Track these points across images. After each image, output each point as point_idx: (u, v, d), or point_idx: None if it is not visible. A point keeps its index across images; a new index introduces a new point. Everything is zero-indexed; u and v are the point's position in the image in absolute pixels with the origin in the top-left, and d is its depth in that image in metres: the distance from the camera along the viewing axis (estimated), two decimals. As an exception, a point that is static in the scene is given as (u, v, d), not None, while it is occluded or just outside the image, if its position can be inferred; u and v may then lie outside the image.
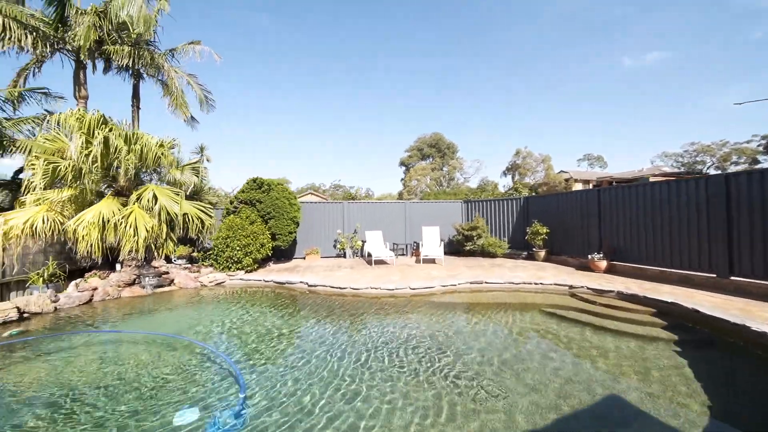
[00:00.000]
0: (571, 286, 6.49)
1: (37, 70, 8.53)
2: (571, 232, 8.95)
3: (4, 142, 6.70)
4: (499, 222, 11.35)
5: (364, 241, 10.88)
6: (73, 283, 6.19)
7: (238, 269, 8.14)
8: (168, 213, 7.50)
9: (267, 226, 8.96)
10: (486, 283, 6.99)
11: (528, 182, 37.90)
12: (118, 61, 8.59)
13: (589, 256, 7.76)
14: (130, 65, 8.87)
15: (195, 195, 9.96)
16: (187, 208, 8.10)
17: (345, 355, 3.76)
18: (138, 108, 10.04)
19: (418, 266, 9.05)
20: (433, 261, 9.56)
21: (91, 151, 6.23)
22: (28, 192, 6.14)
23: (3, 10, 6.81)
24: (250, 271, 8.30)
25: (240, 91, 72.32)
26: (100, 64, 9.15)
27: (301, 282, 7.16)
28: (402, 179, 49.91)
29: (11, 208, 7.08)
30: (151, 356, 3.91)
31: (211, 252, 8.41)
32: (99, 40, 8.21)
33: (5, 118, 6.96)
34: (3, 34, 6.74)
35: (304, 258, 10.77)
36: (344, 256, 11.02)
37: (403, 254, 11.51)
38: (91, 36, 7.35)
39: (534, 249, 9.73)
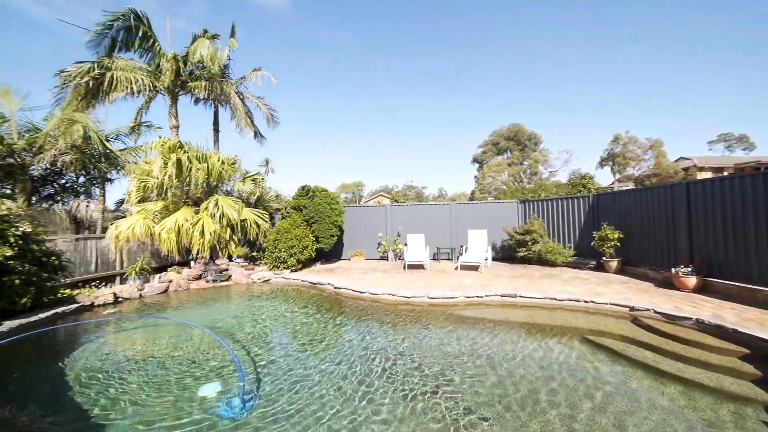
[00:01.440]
0: (632, 308, 5.19)
1: (147, 108, 11.08)
2: (652, 238, 7.14)
3: (118, 167, 9.09)
4: (562, 225, 9.79)
5: (405, 245, 10.77)
6: (157, 276, 7.85)
7: (284, 268, 9.03)
8: (229, 219, 8.81)
9: (311, 230, 9.69)
10: (521, 296, 6.12)
11: (631, 173, 31.42)
12: (198, 94, 10.51)
13: (673, 270, 6.06)
14: (207, 96, 10.75)
15: (257, 202, 11.43)
16: (247, 214, 9.37)
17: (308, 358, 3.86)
18: (217, 131, 12.05)
19: (455, 273, 8.50)
20: (475, 268, 8.82)
21: (167, 170, 7.80)
22: (128, 203, 8.09)
23: (125, 67, 9.08)
24: (295, 271, 9.10)
25: (317, 99, 79.56)
26: (188, 98, 11.32)
27: (328, 284, 7.52)
28: (475, 177, 47.36)
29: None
30: (181, 338, 4.69)
31: (264, 252, 9.54)
32: (183, 79, 10.18)
33: (120, 150, 9.44)
34: (124, 85, 8.94)
35: (350, 260, 11.25)
36: (387, 259, 11.09)
37: (448, 259, 10.95)
38: (171, 77, 9.17)
39: (604, 258, 8.08)
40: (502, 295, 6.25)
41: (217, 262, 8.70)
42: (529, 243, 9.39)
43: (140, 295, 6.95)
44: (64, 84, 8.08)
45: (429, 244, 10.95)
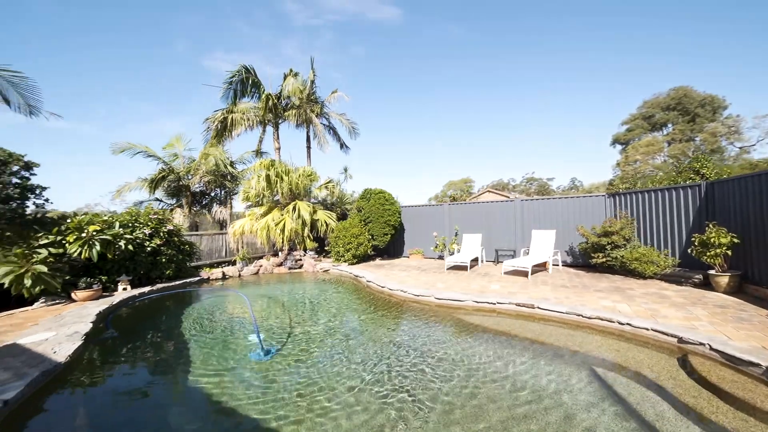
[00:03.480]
0: (681, 339, 3.88)
1: (263, 136, 14.71)
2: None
3: (239, 183, 12.66)
4: (662, 224, 7.42)
5: (458, 245, 10.46)
6: (254, 262, 10.61)
7: (343, 262, 10.47)
8: (304, 219, 10.91)
9: (366, 229, 10.78)
10: (539, 308, 5.33)
11: None
12: (290, 120, 13.27)
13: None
14: (298, 122, 13.42)
15: (337, 204, 13.41)
16: (320, 214, 11.34)
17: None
18: (309, 147, 14.75)
19: (494, 277, 7.86)
20: (525, 274, 7.84)
21: (260, 184, 10.42)
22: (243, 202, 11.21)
23: (242, 110, 12.57)
24: (351, 264, 10.40)
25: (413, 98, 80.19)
26: (288, 125, 14.36)
27: (363, 277, 8.37)
28: (617, 162, 38.07)
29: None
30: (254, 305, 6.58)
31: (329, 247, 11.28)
32: (278, 112, 13.07)
33: (242, 170, 13.08)
34: (240, 123, 12.39)
35: (408, 257, 11.74)
36: (443, 259, 11.00)
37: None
38: (265, 111, 11.97)
39: (712, 271, 5.81)
40: (517, 304, 5.60)
41: (294, 253, 10.93)
42: (608, 247, 7.57)
43: (239, 274, 9.68)
44: (208, 128, 12.03)
45: (490, 244, 10.29)
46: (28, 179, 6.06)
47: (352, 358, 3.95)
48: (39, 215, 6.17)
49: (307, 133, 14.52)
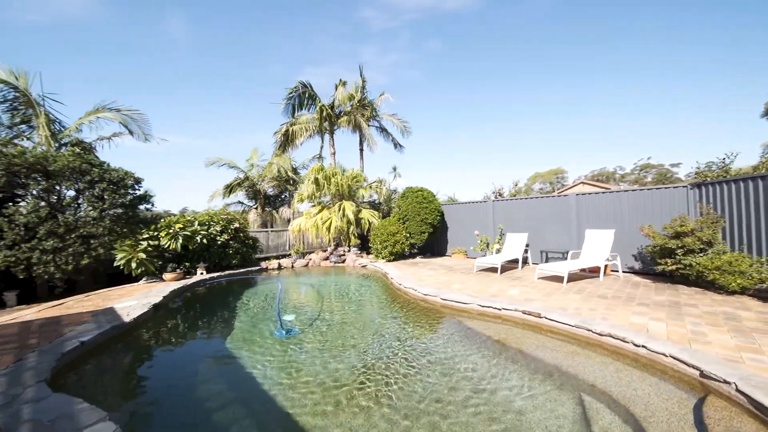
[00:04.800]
0: (703, 372, 3.07)
1: (322, 142, 16.22)
2: None
3: (299, 186, 14.40)
4: (762, 223, 5.51)
5: (499, 244, 9.68)
6: (306, 256, 11.93)
7: (381, 258, 10.89)
8: (349, 219, 11.76)
9: (404, 227, 10.92)
10: (546, 318, 4.75)
11: None
12: (343, 126, 14.32)
13: None
14: (349, 127, 14.39)
15: (379, 204, 13.93)
16: (364, 213, 12.05)
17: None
18: (362, 150, 15.62)
19: (523, 281, 7.13)
20: (561, 280, 6.84)
21: (310, 187, 11.67)
22: (294, 209, 12.70)
23: (301, 121, 14.21)
24: (389, 261, 10.73)
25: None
26: (342, 131, 15.50)
27: (389, 274, 8.60)
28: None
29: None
30: (298, 291, 7.71)
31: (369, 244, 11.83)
32: (332, 119, 14.25)
33: (300, 176, 14.75)
34: (299, 134, 14.02)
35: (450, 256, 11.38)
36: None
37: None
38: (320, 120, 13.21)
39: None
40: (523, 312, 5.08)
41: (339, 249, 11.86)
42: (678, 253, 6.02)
43: (292, 266, 11.10)
44: (276, 141, 14.02)
45: (540, 245, 9.27)
46: (138, 190, 8.33)
47: (336, 341, 4.36)
48: (142, 216, 8.43)
49: (360, 136, 15.41)
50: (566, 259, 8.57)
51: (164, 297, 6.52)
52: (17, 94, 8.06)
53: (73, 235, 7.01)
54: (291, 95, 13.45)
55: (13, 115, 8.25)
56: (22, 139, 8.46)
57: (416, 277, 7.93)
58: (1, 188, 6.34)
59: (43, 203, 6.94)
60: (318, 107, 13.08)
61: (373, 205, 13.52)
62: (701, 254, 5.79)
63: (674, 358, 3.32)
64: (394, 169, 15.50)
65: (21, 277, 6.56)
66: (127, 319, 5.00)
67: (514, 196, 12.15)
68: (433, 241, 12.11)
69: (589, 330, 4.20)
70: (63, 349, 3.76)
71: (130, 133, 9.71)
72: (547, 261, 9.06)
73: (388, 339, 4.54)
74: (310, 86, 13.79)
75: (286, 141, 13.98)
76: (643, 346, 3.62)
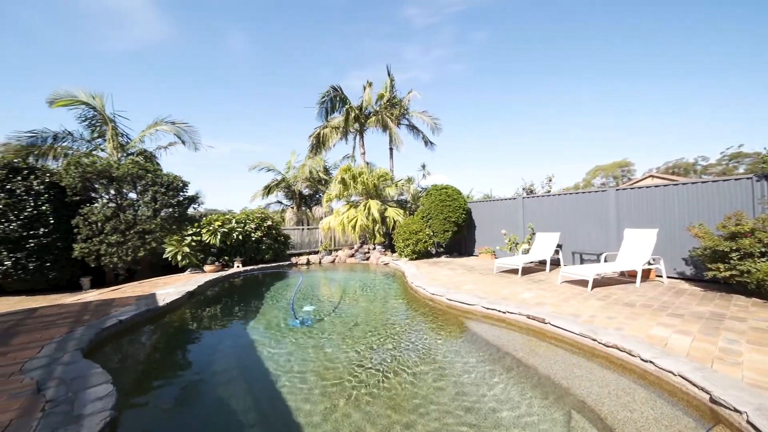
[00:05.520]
0: (713, 398, 2.65)
1: (354, 143, 16.65)
2: None
3: (326, 189, 14.90)
4: None
5: (526, 244, 9.05)
6: (333, 252, 12.40)
7: (404, 257, 10.89)
8: (374, 217, 11.96)
9: (427, 225, 10.77)
10: (551, 324, 4.39)
11: None
12: (372, 126, 14.56)
13: None
14: (377, 126, 14.58)
15: (406, 202, 13.89)
16: (390, 212, 12.17)
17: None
18: (391, 150, 15.71)
19: (540, 284, 6.61)
20: (586, 284, 6.18)
21: (337, 186, 12.11)
22: (325, 208, 13.25)
23: (332, 124, 14.78)
24: (411, 260, 10.68)
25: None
26: (371, 132, 15.75)
27: (406, 273, 8.56)
28: None
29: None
30: (322, 285, 8.22)
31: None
32: (361, 121, 14.56)
33: (331, 177, 15.31)
34: (329, 137, 14.61)
35: (477, 256, 10.92)
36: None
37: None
38: (348, 121, 13.59)
39: None
40: (528, 316, 4.75)
41: (363, 247, 12.10)
42: (733, 256, 5.09)
43: (320, 262, 11.64)
44: (310, 144, 14.79)
45: (571, 245, 8.52)
46: (185, 192, 9.47)
47: (338, 330, 4.59)
48: (189, 215, 9.55)
49: (389, 136, 15.52)
50: (605, 260, 7.73)
51: (199, 286, 7.35)
52: (95, 113, 9.76)
53: (132, 231, 8.25)
54: (323, 99, 14.05)
55: (92, 131, 10.03)
56: (98, 151, 10.21)
57: (431, 276, 7.81)
58: (77, 192, 7.72)
59: (111, 204, 8.28)
60: (345, 110, 13.48)
61: (401, 204, 13.54)
62: (763, 259, 4.82)
63: (683, 377, 2.88)
64: (423, 166, 15.33)
65: (93, 265, 7.92)
66: (161, 303, 5.77)
67: (549, 192, 11.24)
68: (460, 240, 11.76)
69: (594, 340, 3.80)
70: (103, 324, 4.50)
71: (183, 142, 11.08)
72: (581, 263, 8.26)
73: (382, 337, 4.59)
74: (341, 89, 14.25)
75: (318, 143, 14.65)
76: (650, 362, 3.20)
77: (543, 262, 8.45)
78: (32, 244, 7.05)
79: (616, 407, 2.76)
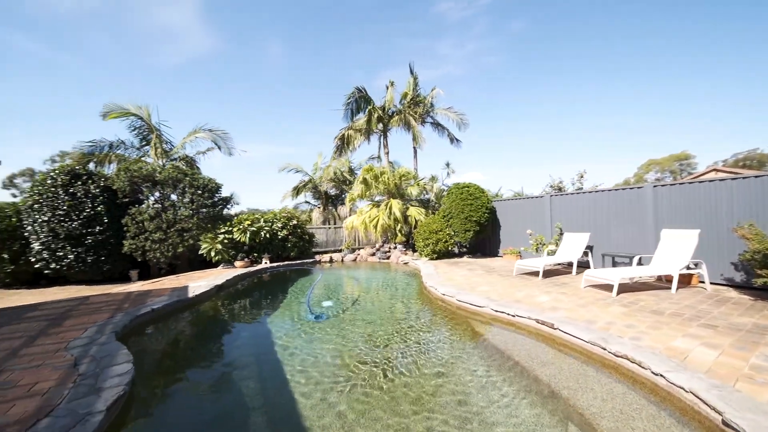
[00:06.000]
0: (725, 419, 2.41)
1: (380, 144, 16.78)
2: None
3: (350, 190, 15.20)
4: None
5: (554, 248, 8.54)
6: (355, 252, 12.64)
7: (424, 256, 10.82)
8: (396, 216, 12.02)
9: (448, 224, 10.58)
10: (560, 330, 4.16)
11: None
12: (395, 126, 14.60)
13: None
14: (401, 125, 14.58)
15: (429, 202, 13.74)
16: (412, 211, 12.17)
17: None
18: (415, 149, 15.62)
19: (561, 288, 6.23)
20: (611, 289, 5.70)
21: (358, 186, 12.34)
22: (349, 207, 13.51)
23: (356, 126, 15.05)
24: (431, 259, 10.57)
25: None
26: (395, 132, 15.76)
27: (421, 272, 8.50)
28: None
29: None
30: (342, 282, 8.55)
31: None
32: (385, 121, 14.65)
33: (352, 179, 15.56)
34: (354, 138, 14.89)
35: (502, 257, 10.50)
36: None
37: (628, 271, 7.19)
38: (370, 121, 13.75)
39: None
40: (537, 321, 4.54)
41: (385, 246, 12.18)
42: (790, 261, 4.44)
43: (342, 260, 11.95)
44: (335, 146, 15.20)
45: (603, 246, 7.94)
46: (219, 193, 10.25)
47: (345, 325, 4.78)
48: (222, 214, 10.32)
49: (413, 134, 15.45)
50: (641, 263, 7.09)
51: (227, 280, 7.94)
52: (142, 122, 10.92)
53: (172, 229, 9.12)
54: (349, 101, 14.35)
55: (141, 139, 11.25)
56: (146, 157, 11.41)
57: (447, 276, 7.70)
58: (126, 194, 8.70)
59: (155, 205, 9.23)
60: (368, 110, 13.65)
61: (424, 203, 13.43)
62: (828, 266, 4.14)
63: (695, 395, 2.62)
64: (447, 164, 15.05)
65: (139, 259, 8.88)
66: (190, 295, 6.33)
67: (579, 190, 10.52)
68: (484, 241, 11.41)
69: (603, 348, 3.56)
70: (138, 312, 5.07)
71: (218, 148, 11.99)
72: (613, 266, 7.64)
73: (384, 336, 4.66)
74: (365, 90, 14.45)
75: (343, 145, 15.00)
76: (661, 375, 2.93)
77: (570, 265, 7.94)
78: (90, 241, 8.12)
79: (616, 423, 2.58)
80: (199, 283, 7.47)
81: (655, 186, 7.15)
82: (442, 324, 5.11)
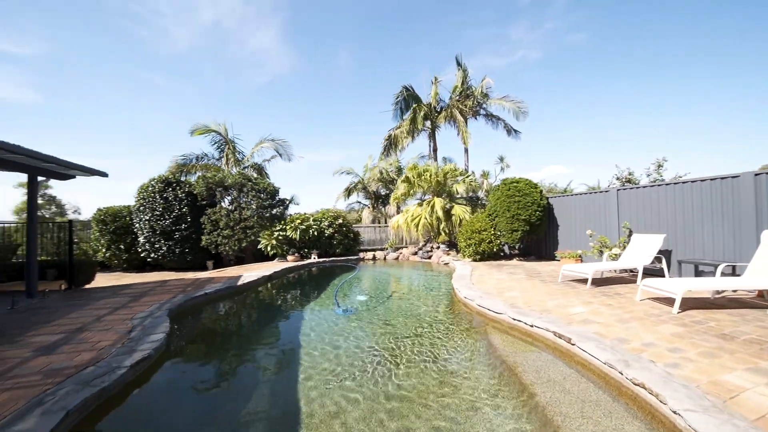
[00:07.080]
0: None
1: (429, 141, 16.50)
2: None
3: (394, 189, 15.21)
4: None
5: (614, 247, 7.23)
6: (398, 250, 12.69)
7: (466, 256, 10.30)
8: (438, 215, 11.73)
9: (493, 224, 9.84)
10: (578, 347, 3.59)
11: None
12: (441, 121, 14.20)
13: None
14: (448, 121, 14.11)
15: (478, 199, 12.97)
16: (456, 209, 11.74)
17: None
18: (464, 144, 14.93)
19: (609, 299, 5.26)
20: (671, 302, 4.56)
21: (401, 184, 12.39)
22: (395, 206, 13.60)
23: (402, 126, 15.11)
24: (475, 260, 9.99)
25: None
26: (445, 128, 15.29)
27: (455, 275, 8.11)
28: None
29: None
30: (382, 278, 8.97)
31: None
32: (432, 118, 14.35)
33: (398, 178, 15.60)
34: (400, 138, 14.98)
35: (559, 261, 9.29)
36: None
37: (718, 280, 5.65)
38: (417, 119, 13.62)
39: None
40: (555, 333, 4.00)
41: (428, 245, 11.93)
42: None
43: (384, 258, 12.17)
44: (383, 146, 15.51)
45: (682, 251, 6.53)
46: (278, 196, 11.51)
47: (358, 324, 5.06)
48: (279, 214, 11.56)
49: (458, 129, 14.79)
50: (729, 274, 5.58)
51: (275, 271, 8.91)
52: (220, 137, 12.97)
53: (237, 227, 10.61)
54: (397, 100, 14.52)
55: (219, 151, 13.38)
56: (224, 166, 13.51)
57: (479, 279, 7.25)
58: (204, 198, 10.46)
59: (225, 206, 10.88)
60: (412, 109, 13.57)
61: (472, 201, 12.75)
62: None
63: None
64: (501, 159, 13.97)
65: (213, 252, 10.58)
66: (239, 283, 7.32)
67: (655, 182, 8.68)
68: (539, 242, 10.30)
69: (621, 373, 2.99)
70: (194, 294, 6.11)
71: (280, 155, 13.49)
72: (696, 275, 6.14)
73: (387, 340, 4.70)
74: (412, 89, 14.43)
75: (390, 145, 15.21)
76: (679, 414, 2.35)
77: (634, 272, 6.66)
78: (177, 236, 10.06)
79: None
80: (252, 273, 8.55)
81: (756, 174, 5.49)
82: (456, 331, 4.82)
